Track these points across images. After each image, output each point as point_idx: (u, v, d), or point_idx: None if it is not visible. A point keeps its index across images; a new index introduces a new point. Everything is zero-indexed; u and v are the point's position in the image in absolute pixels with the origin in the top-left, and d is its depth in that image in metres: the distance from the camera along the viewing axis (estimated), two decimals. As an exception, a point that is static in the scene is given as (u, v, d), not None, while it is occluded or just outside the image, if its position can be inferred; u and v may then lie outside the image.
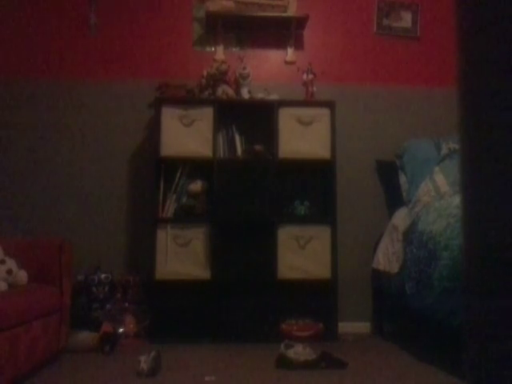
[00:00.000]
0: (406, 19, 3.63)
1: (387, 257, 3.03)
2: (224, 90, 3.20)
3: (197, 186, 3.09)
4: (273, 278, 2.98)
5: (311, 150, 3.11)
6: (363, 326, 3.32)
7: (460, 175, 0.51)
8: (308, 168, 3.23)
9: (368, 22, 3.61)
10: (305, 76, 3.28)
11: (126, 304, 3.01)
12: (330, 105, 3.16)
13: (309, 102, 3.22)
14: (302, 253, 3.02)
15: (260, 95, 3.26)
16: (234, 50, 3.51)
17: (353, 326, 3.27)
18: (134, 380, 2.17)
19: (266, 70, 3.51)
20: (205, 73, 3.28)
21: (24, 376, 2.12)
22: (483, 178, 0.47)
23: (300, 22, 3.44)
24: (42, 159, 3.32)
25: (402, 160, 3.27)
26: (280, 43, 3.54)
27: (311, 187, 3.30)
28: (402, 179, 3.25)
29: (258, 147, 3.13)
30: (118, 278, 3.08)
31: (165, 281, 2.94)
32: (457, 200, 2.42)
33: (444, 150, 3.17)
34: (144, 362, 2.22)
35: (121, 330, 2.85)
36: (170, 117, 3.06)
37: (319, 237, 3.05)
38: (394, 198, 3.35)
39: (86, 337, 2.71)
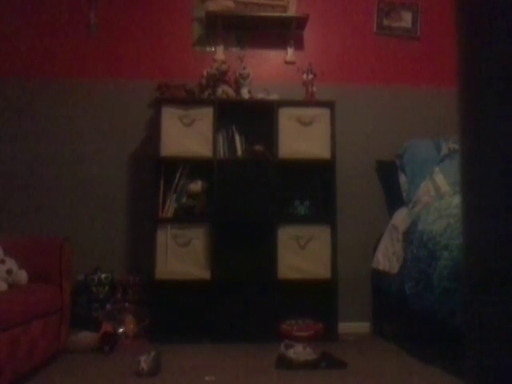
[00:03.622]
0: (406, 19, 3.63)
1: (387, 257, 3.03)
2: (224, 90, 3.20)
3: (197, 186, 3.09)
4: (273, 278, 2.98)
5: (311, 150, 3.11)
6: (363, 326, 3.32)
7: (460, 175, 0.51)
8: (308, 168, 3.23)
9: (368, 21, 3.61)
10: (305, 76, 3.28)
11: (126, 304, 3.01)
12: (329, 105, 3.16)
13: (309, 102, 3.22)
14: (302, 253, 3.02)
15: (260, 95, 3.26)
16: (234, 49, 3.51)
17: (353, 326, 3.27)
18: (134, 380, 2.17)
19: (266, 69, 3.51)
20: (205, 73, 3.28)
21: (24, 376, 2.12)
22: (483, 177, 0.47)
23: (300, 22, 3.44)
24: (42, 159, 3.32)
25: (402, 160, 3.27)
26: (280, 43, 3.54)
27: (311, 187, 3.30)
28: (402, 179, 3.25)
29: (258, 147, 3.13)
30: (118, 278, 3.08)
31: (165, 281, 2.94)
32: (457, 200, 2.42)
33: (444, 150, 3.17)
34: (144, 361, 2.22)
35: (121, 329, 2.85)
36: (170, 117, 3.06)
37: (319, 237, 3.05)
38: (394, 198, 3.34)
39: (85, 337, 2.71)
